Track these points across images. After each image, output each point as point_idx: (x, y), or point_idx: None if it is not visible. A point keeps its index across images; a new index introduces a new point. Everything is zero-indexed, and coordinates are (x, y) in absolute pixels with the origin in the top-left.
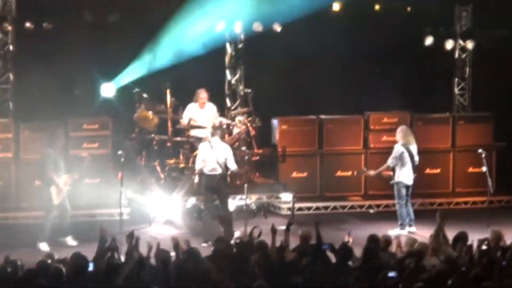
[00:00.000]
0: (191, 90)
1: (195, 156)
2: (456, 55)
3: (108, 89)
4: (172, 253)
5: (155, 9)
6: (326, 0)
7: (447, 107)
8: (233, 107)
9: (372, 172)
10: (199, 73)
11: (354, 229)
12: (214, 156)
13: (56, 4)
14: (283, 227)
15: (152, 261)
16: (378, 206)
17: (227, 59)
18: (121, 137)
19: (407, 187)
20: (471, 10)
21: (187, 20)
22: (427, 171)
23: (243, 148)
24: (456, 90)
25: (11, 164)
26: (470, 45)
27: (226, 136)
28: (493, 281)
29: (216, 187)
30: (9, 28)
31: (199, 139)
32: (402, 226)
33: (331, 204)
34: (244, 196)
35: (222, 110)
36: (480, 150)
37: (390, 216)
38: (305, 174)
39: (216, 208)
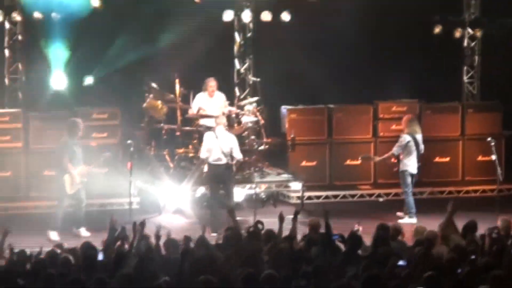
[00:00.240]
0: (200, 80)
1: None
2: (465, 43)
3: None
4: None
5: None
6: None
7: (456, 96)
8: (242, 96)
9: (377, 158)
10: (207, 62)
11: (363, 217)
12: (219, 145)
13: None
14: (291, 216)
15: (162, 250)
16: (387, 194)
17: (235, 48)
18: (130, 127)
19: (411, 175)
20: None
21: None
22: (437, 159)
23: (252, 137)
24: (465, 79)
25: (21, 154)
26: (479, 33)
27: (235, 125)
28: (502, 270)
29: (221, 177)
30: (18, 18)
31: (209, 128)
32: (411, 214)
33: (341, 193)
34: (253, 185)
35: (231, 99)
36: (489, 139)
37: (399, 204)
38: (314, 163)
39: (222, 198)
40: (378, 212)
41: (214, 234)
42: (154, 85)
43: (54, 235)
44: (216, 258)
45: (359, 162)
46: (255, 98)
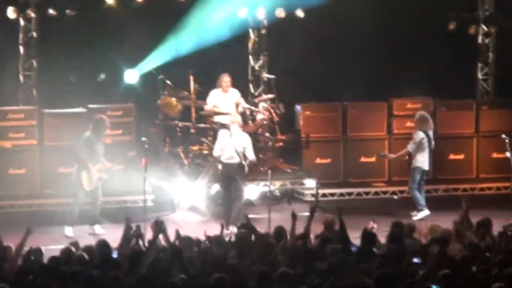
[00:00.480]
0: (215, 77)
1: None
2: (479, 40)
3: (131, 76)
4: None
5: None
6: None
7: (471, 93)
8: (256, 93)
9: (392, 156)
10: (222, 59)
11: (378, 215)
12: (233, 144)
13: None
14: (306, 213)
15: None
16: (402, 192)
17: (250, 45)
18: (145, 124)
19: (423, 172)
20: None
21: (211, 6)
22: (451, 156)
23: (267, 134)
24: (479, 75)
25: (36, 151)
26: (493, 30)
27: (250, 122)
28: None
29: (232, 176)
30: (32, 15)
31: (223, 125)
32: (422, 206)
33: (355, 190)
34: (267, 183)
35: (246, 97)
36: (503, 136)
37: (414, 202)
38: (328, 160)
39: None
40: (393, 210)
41: (228, 231)
42: (168, 82)
43: (69, 231)
44: (230, 256)
45: (373, 159)
46: (270, 96)
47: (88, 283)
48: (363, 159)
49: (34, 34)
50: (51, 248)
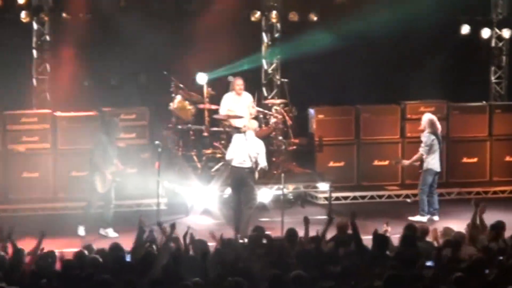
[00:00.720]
0: (227, 80)
1: None
2: (493, 43)
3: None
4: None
5: None
6: None
7: (484, 96)
8: (269, 97)
9: (406, 162)
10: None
11: (391, 218)
12: (246, 149)
13: None
14: (319, 217)
15: (190, 252)
16: (415, 195)
17: (263, 48)
18: (158, 127)
19: (435, 174)
20: None
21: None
22: (464, 160)
23: (280, 137)
24: (492, 79)
25: (49, 154)
26: (507, 33)
27: (263, 126)
28: None
29: (242, 180)
30: (46, 18)
31: (237, 129)
32: (423, 212)
33: (368, 193)
34: (281, 186)
35: (259, 100)
36: None
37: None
38: (342, 164)
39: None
40: (406, 213)
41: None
42: (181, 85)
43: (81, 231)
44: (245, 259)
45: (386, 162)
46: (283, 99)
47: (101, 287)
48: (376, 163)
49: (47, 37)
50: (64, 252)
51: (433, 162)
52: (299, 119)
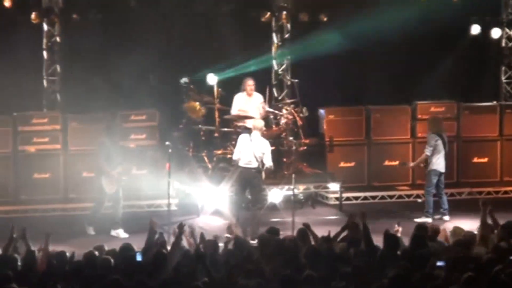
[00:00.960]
0: (238, 81)
1: None
2: (503, 43)
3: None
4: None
5: None
6: None
7: (494, 96)
8: (280, 97)
9: (411, 164)
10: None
11: (402, 218)
12: (252, 149)
13: None
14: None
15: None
16: None
17: (273, 49)
18: (169, 128)
19: (440, 175)
20: None
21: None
22: (475, 160)
23: (290, 138)
24: (503, 79)
25: (59, 155)
26: None
27: (273, 126)
28: None
29: (249, 181)
30: (56, 20)
31: (247, 129)
32: (428, 213)
33: (379, 193)
34: (291, 186)
35: (269, 99)
36: None
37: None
38: (352, 164)
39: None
40: (417, 213)
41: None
42: (192, 86)
43: (90, 230)
44: (255, 260)
45: (397, 162)
46: (293, 100)
47: (112, 287)
48: (387, 163)
49: (58, 39)
50: (75, 252)
51: (438, 163)
52: (309, 119)
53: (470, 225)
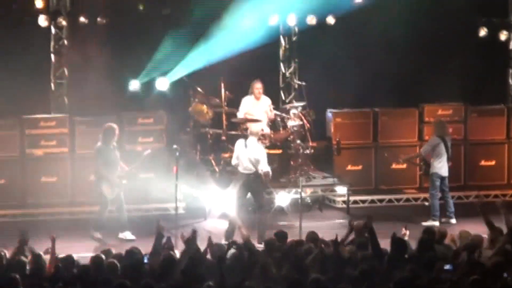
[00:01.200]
0: (246, 83)
1: None
2: (511, 46)
3: (162, 83)
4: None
5: (208, 1)
6: None
7: (502, 99)
8: (287, 100)
9: (403, 156)
10: (253, 66)
11: (409, 222)
12: (247, 155)
13: None
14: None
15: (208, 256)
16: None
17: (281, 52)
18: (176, 131)
19: (442, 178)
20: None
21: (241, 13)
22: (482, 163)
23: (298, 141)
24: (510, 81)
25: (67, 159)
26: None
27: (281, 129)
28: None
29: (249, 186)
30: (64, 23)
31: (254, 133)
32: (435, 217)
33: (386, 197)
34: (299, 190)
35: (277, 103)
36: None
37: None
38: (359, 167)
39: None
40: (424, 217)
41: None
42: (199, 89)
43: (97, 234)
44: (262, 264)
45: (404, 166)
46: (301, 103)
47: None
48: (394, 166)
49: (66, 42)
50: (82, 256)
51: (439, 166)
52: (317, 122)
53: (478, 228)
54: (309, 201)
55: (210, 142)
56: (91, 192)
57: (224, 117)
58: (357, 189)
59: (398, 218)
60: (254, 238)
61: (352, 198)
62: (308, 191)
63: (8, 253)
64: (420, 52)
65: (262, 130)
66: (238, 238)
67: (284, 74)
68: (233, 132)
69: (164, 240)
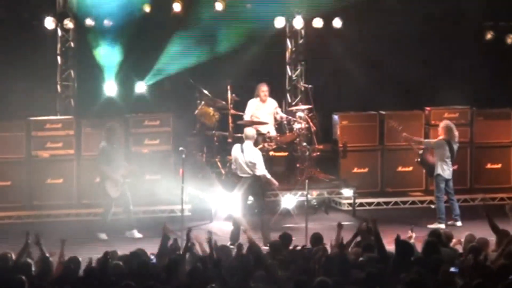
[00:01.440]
0: (252, 86)
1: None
2: None
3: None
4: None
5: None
6: None
7: (508, 102)
8: (293, 103)
9: (405, 135)
10: (259, 69)
11: (415, 224)
12: (243, 159)
13: (115, 1)
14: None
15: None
16: None
17: (287, 54)
18: (182, 134)
19: (446, 180)
20: None
21: (248, 16)
22: (488, 166)
23: (304, 144)
24: None
25: (73, 161)
26: None
27: (287, 132)
28: None
29: (249, 189)
30: (70, 25)
31: (261, 135)
32: (441, 220)
33: (392, 199)
34: (305, 192)
35: (283, 106)
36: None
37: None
38: (366, 170)
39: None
40: (430, 219)
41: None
42: (205, 91)
43: (103, 236)
44: (267, 266)
45: (410, 168)
46: (307, 105)
47: None
48: (400, 169)
49: (72, 44)
50: (88, 258)
51: (444, 169)
52: (323, 125)
53: (484, 231)
54: (315, 204)
55: (216, 144)
56: (96, 194)
57: (230, 119)
58: (363, 191)
59: (404, 221)
60: (259, 240)
61: (358, 201)
62: (314, 193)
63: (14, 255)
64: (426, 56)
65: (269, 132)
66: (243, 240)
67: (290, 77)
68: (239, 135)
69: (170, 242)
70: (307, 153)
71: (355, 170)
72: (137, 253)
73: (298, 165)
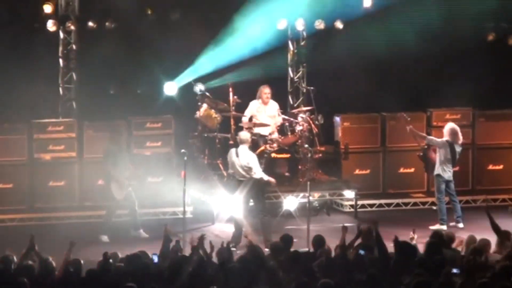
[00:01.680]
0: (254, 88)
1: (259, 153)
2: None
3: (170, 88)
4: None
5: (217, 7)
6: None
7: (510, 103)
8: (295, 105)
9: (411, 128)
10: (261, 71)
11: (417, 226)
12: (239, 163)
13: (118, 3)
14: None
15: (215, 259)
16: None
17: (289, 56)
18: (184, 136)
19: (446, 181)
20: None
21: (249, 18)
22: (490, 167)
23: (306, 145)
24: None
25: (75, 163)
26: None
27: (289, 134)
28: None
29: (248, 192)
30: (72, 27)
31: (262, 137)
32: (442, 221)
33: (394, 201)
34: (307, 194)
35: (285, 108)
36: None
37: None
38: (367, 171)
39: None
40: (432, 221)
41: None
42: (207, 93)
43: (105, 238)
44: (269, 268)
45: (412, 170)
46: (309, 107)
47: None
48: (402, 170)
49: (74, 46)
50: (90, 260)
51: (445, 170)
52: (325, 127)
53: (486, 232)
54: (317, 205)
55: (218, 146)
56: (99, 197)
57: (232, 121)
58: (365, 193)
59: (405, 222)
60: (261, 242)
61: (360, 202)
62: (316, 195)
63: (16, 257)
64: (428, 57)
65: (270, 134)
66: (245, 242)
67: (292, 79)
68: None
69: (172, 244)
70: (309, 155)
71: (357, 171)
72: (139, 255)
73: (300, 167)
